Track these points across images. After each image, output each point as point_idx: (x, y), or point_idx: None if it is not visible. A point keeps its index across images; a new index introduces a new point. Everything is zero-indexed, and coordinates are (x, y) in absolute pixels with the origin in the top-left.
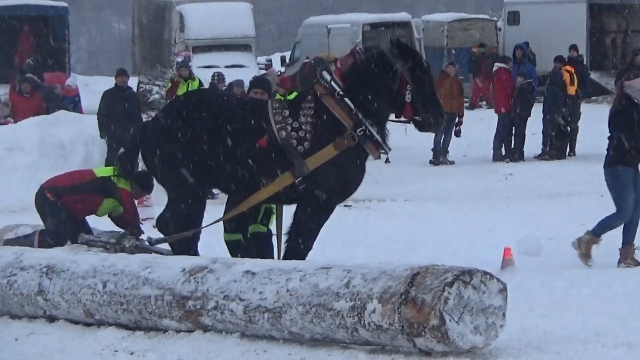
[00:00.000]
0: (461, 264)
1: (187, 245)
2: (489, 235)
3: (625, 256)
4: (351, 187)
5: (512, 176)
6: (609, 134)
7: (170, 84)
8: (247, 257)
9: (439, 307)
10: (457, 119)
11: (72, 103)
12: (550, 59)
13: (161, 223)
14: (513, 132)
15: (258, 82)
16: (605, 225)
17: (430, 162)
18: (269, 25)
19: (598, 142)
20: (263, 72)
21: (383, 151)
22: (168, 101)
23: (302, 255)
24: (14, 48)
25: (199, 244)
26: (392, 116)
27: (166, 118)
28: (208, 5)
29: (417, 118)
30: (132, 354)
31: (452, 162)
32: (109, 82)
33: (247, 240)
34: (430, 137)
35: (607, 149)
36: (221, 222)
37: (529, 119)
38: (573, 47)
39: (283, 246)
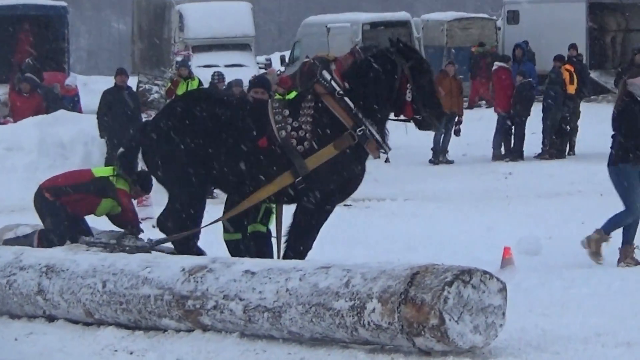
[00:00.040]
0: (461, 263)
1: (188, 245)
2: (489, 235)
3: (625, 255)
4: (351, 187)
5: (511, 175)
6: (613, 132)
7: (169, 84)
8: (247, 257)
9: (439, 307)
10: (456, 118)
11: (72, 103)
12: (549, 58)
13: (162, 222)
14: (512, 131)
15: (258, 82)
16: (614, 223)
17: (430, 161)
18: (268, 25)
19: (598, 141)
20: (263, 71)
21: (383, 151)
22: (167, 101)
23: (301, 255)
24: (13, 47)
25: (199, 243)
26: (392, 115)
27: (166, 118)
28: (207, 5)
29: (417, 117)
30: (131, 353)
31: (451, 162)
32: (108, 82)
33: (246, 240)
34: (429, 136)
35: (611, 147)
36: (221, 221)
37: (529, 118)
38: (573, 46)
39: (283, 246)
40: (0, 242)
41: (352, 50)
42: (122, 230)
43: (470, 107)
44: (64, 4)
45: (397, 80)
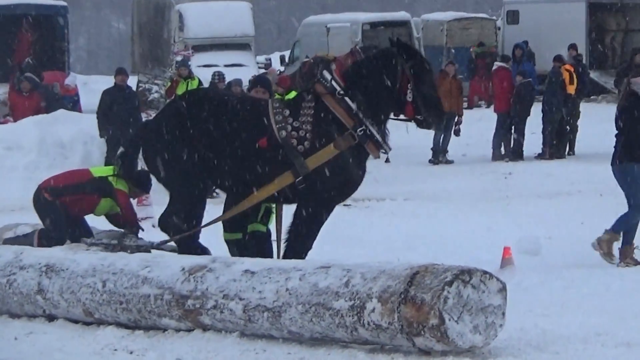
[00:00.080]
0: (460, 263)
1: (190, 244)
2: (489, 235)
3: (625, 255)
4: (351, 187)
5: (511, 175)
6: (616, 131)
7: (169, 83)
8: (247, 256)
9: (439, 307)
10: (456, 118)
11: (71, 102)
12: (549, 58)
13: (163, 223)
14: (512, 131)
15: (260, 81)
16: (623, 223)
17: (430, 161)
18: (268, 25)
19: (598, 141)
20: (262, 71)
21: (383, 151)
22: (167, 100)
23: (301, 255)
24: (13, 47)
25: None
26: (392, 114)
27: (167, 117)
28: (207, 5)
29: (418, 117)
30: (131, 353)
31: (451, 162)
32: (108, 81)
33: (246, 239)
34: (429, 136)
35: (615, 146)
36: (221, 221)
37: (529, 118)
38: (572, 46)
39: (283, 245)
40: (0, 241)
41: (352, 50)
42: (121, 229)
43: (470, 107)
44: (63, 3)
45: (398, 80)
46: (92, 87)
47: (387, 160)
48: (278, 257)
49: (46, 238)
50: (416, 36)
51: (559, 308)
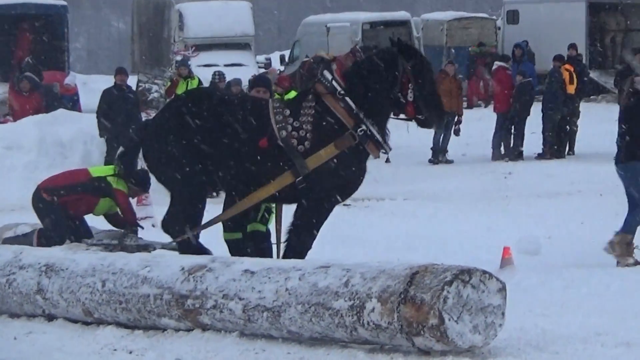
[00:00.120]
0: (460, 263)
1: (190, 244)
2: (488, 235)
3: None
4: (351, 187)
5: (511, 175)
6: (621, 130)
7: (169, 83)
8: (246, 256)
9: (438, 306)
10: (456, 118)
11: (71, 102)
12: (549, 58)
13: (167, 225)
14: (512, 131)
15: (260, 81)
16: (631, 222)
17: (430, 161)
18: (268, 24)
19: (597, 141)
20: (262, 70)
21: (384, 151)
22: (167, 100)
23: (301, 254)
24: (13, 47)
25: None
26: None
27: (167, 117)
28: (207, 4)
29: (419, 116)
30: (131, 352)
31: (451, 161)
32: (108, 81)
33: (245, 239)
34: (429, 136)
35: (618, 145)
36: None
37: (528, 117)
38: (572, 46)
39: (283, 245)
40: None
41: (352, 49)
42: (120, 229)
43: (469, 106)
44: (63, 3)
45: (399, 80)
46: (92, 87)
47: (387, 161)
48: (278, 256)
49: (45, 238)
50: (416, 36)
51: (559, 308)
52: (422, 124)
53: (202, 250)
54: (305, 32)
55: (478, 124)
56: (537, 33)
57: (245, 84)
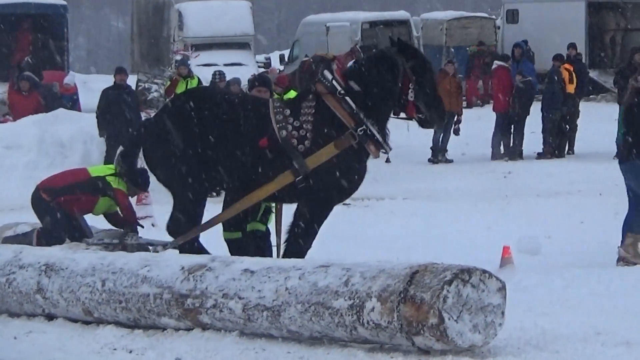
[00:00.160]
0: (460, 262)
1: (191, 244)
2: (488, 234)
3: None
4: (351, 187)
5: (510, 175)
6: (624, 129)
7: (169, 83)
8: (246, 255)
9: (438, 306)
10: (455, 117)
11: (71, 101)
12: (549, 58)
13: (172, 228)
14: (512, 130)
15: (261, 80)
16: (638, 222)
17: (429, 160)
18: (267, 24)
19: (597, 140)
20: (262, 70)
21: (384, 150)
22: (167, 99)
23: (301, 254)
24: (12, 46)
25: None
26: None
27: (167, 116)
28: (207, 4)
29: (420, 116)
30: (130, 352)
31: (450, 161)
32: (107, 81)
33: (245, 238)
34: (429, 135)
35: (622, 144)
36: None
37: (528, 117)
38: (572, 46)
39: (283, 244)
40: None
41: (352, 49)
42: (120, 228)
43: (469, 106)
44: (63, 2)
45: (399, 80)
46: (92, 86)
47: (387, 161)
48: (278, 256)
49: (45, 237)
50: (415, 35)
51: (559, 307)
52: (423, 123)
53: (202, 251)
54: (305, 31)
55: (478, 123)
56: (537, 32)
57: (244, 83)
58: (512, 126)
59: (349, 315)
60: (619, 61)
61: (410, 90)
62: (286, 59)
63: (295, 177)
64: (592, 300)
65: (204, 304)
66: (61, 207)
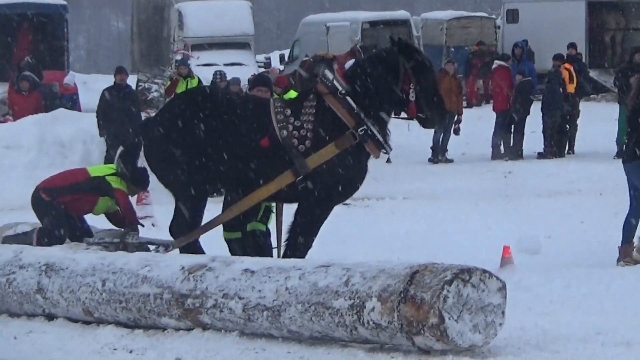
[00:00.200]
0: (460, 262)
1: (191, 243)
2: (488, 234)
3: (625, 254)
4: (352, 187)
5: (511, 174)
6: (629, 129)
7: (169, 82)
8: (246, 255)
9: (438, 306)
10: (456, 117)
11: (71, 101)
12: (549, 57)
13: (175, 230)
14: (512, 130)
15: (262, 80)
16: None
17: (429, 160)
18: (267, 24)
19: (597, 140)
20: (262, 70)
21: (384, 150)
22: (167, 99)
23: (301, 254)
24: (12, 46)
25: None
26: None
27: (168, 116)
28: (207, 3)
29: (421, 115)
30: (131, 352)
31: (451, 161)
32: (107, 80)
33: (245, 238)
34: (429, 135)
35: (626, 144)
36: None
37: (528, 117)
38: (572, 45)
39: (283, 244)
40: None
41: (352, 49)
42: (121, 228)
43: (469, 106)
44: (63, 2)
45: (400, 80)
46: (92, 86)
47: (388, 161)
48: (278, 256)
49: (45, 237)
50: (416, 35)
51: (559, 307)
52: (424, 123)
53: (201, 252)
54: (305, 31)
55: (478, 123)
56: (537, 32)
57: (244, 83)
58: (513, 126)
59: (349, 315)
60: (619, 61)
61: (410, 90)
62: (286, 58)
63: (296, 177)
64: (592, 300)
65: (204, 304)
66: (61, 207)
